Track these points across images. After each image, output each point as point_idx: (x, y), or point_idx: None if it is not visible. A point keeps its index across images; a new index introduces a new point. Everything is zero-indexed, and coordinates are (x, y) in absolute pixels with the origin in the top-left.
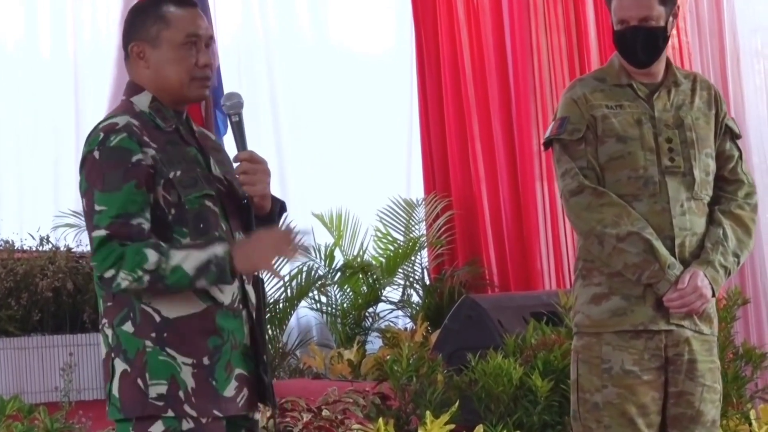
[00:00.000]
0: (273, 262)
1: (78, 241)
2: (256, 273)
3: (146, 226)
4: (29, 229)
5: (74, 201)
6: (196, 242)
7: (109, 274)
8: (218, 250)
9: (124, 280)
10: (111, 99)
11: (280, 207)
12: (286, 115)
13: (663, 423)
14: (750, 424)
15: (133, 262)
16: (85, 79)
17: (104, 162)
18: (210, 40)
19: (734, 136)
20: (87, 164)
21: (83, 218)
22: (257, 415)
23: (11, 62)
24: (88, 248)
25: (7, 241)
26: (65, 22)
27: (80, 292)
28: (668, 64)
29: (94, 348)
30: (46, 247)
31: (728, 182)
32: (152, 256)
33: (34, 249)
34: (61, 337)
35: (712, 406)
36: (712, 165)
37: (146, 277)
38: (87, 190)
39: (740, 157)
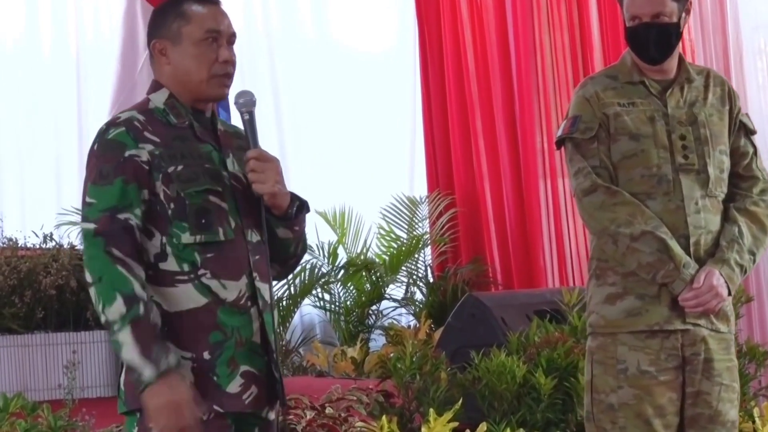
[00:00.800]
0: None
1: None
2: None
3: (134, 222)
4: (32, 227)
5: (77, 198)
6: (149, 344)
7: (87, 278)
8: (147, 373)
9: (93, 294)
10: (114, 97)
11: (298, 206)
12: (288, 113)
13: (681, 424)
14: (753, 422)
15: (105, 295)
16: (87, 77)
17: (100, 155)
18: (233, 38)
19: (749, 132)
20: (88, 157)
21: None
22: (272, 415)
23: (12, 61)
24: None
25: (10, 239)
26: (66, 20)
27: (84, 289)
28: (681, 60)
29: (97, 345)
30: (50, 245)
31: (743, 179)
32: (116, 310)
33: (38, 247)
34: (65, 334)
35: (730, 405)
36: (727, 162)
37: (102, 317)
38: (84, 180)
39: (755, 153)
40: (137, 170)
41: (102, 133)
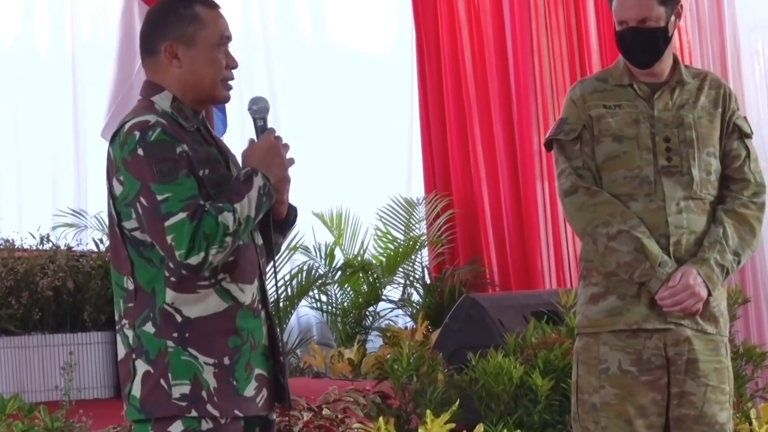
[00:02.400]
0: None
1: (78, 240)
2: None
3: None
4: (29, 228)
5: (73, 200)
6: (239, 183)
7: (197, 260)
8: (258, 181)
9: (215, 256)
10: (111, 99)
11: (294, 214)
12: (286, 114)
13: (668, 424)
14: (750, 423)
15: (218, 235)
16: (83, 78)
17: (152, 156)
18: (230, 42)
19: (743, 135)
20: (132, 164)
21: (87, 218)
22: (273, 415)
23: (9, 61)
24: (88, 247)
25: (7, 240)
26: (63, 20)
27: (80, 291)
28: (676, 63)
29: (94, 347)
30: (47, 246)
31: (734, 181)
32: (229, 219)
33: (35, 248)
34: (62, 336)
35: (718, 407)
36: (715, 164)
37: (230, 240)
38: (141, 187)
39: (748, 156)
40: (190, 165)
41: (142, 138)
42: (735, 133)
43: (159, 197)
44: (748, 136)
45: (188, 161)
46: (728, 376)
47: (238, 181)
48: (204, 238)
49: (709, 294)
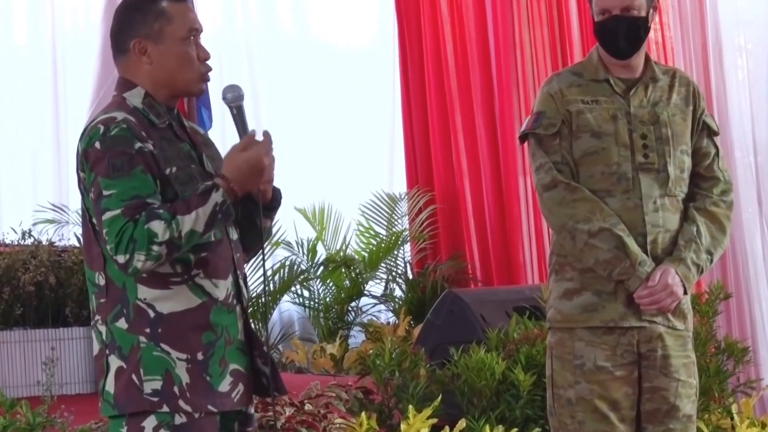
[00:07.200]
0: (267, 170)
1: (60, 235)
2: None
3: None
4: (9, 223)
5: (54, 194)
6: (195, 195)
7: (123, 259)
8: (217, 197)
9: (138, 261)
10: (94, 93)
11: (279, 196)
12: (267, 109)
13: (639, 417)
14: (732, 419)
15: (144, 241)
16: (64, 71)
17: (108, 150)
18: (201, 33)
19: (712, 133)
20: (90, 157)
21: (68, 213)
22: (251, 409)
23: None
24: (71, 242)
25: None
26: (44, 11)
27: (62, 286)
28: (647, 59)
29: (76, 342)
30: (28, 241)
31: (704, 179)
32: (159, 228)
33: (16, 243)
34: (44, 331)
35: (688, 400)
36: (688, 162)
37: (162, 250)
38: (93, 180)
39: (717, 154)
40: (150, 163)
41: (103, 132)
42: (704, 131)
43: (105, 192)
44: (716, 134)
45: (149, 159)
46: (694, 370)
47: (195, 192)
48: (130, 241)
49: (685, 293)
